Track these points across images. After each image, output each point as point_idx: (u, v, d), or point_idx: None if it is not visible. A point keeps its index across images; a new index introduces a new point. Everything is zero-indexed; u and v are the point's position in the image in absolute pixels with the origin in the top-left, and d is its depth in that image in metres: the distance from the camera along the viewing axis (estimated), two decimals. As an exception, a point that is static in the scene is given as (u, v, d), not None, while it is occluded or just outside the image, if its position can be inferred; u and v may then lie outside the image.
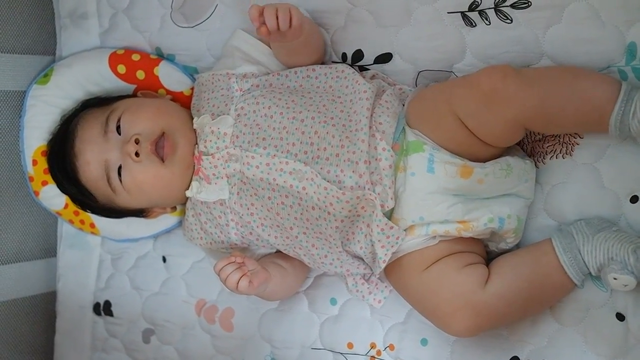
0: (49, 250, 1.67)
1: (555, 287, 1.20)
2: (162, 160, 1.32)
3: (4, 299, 1.57)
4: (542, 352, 1.25)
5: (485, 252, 1.30)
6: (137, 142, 1.30)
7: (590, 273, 1.18)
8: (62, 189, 1.46)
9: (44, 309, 1.68)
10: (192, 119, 1.37)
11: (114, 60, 1.50)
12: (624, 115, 1.09)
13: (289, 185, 1.23)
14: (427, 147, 1.21)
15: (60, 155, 1.40)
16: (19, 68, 1.53)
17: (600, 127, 1.13)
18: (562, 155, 1.24)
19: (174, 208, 1.48)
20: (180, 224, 1.53)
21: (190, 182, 1.36)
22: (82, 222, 1.57)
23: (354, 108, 1.24)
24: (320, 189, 1.20)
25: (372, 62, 1.35)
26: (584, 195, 1.22)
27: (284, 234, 1.30)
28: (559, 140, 1.24)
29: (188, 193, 1.36)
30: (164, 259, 1.60)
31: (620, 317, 1.20)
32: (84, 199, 1.42)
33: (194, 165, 1.34)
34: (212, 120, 1.32)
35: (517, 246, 1.28)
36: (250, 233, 1.34)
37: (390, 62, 1.34)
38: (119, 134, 1.34)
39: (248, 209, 1.30)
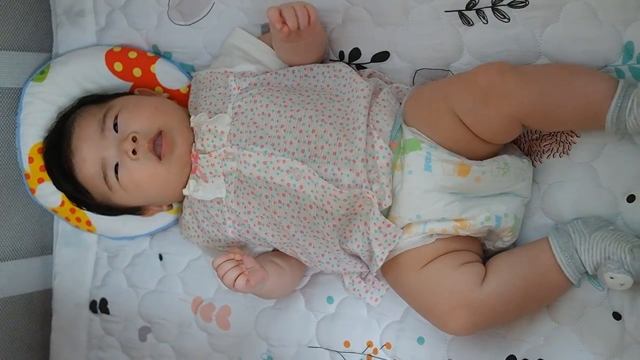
0: (45, 248, 1.67)
1: (551, 285, 1.21)
2: (160, 158, 1.32)
3: (0, 296, 1.57)
4: (539, 351, 1.26)
5: (482, 250, 1.30)
6: (134, 140, 1.30)
7: (586, 272, 1.18)
8: (58, 185, 1.46)
9: (40, 306, 1.67)
10: (190, 117, 1.37)
11: (111, 57, 1.50)
12: (621, 111, 1.10)
13: (286, 183, 1.23)
14: (425, 145, 1.21)
15: (57, 152, 1.40)
16: (16, 65, 1.53)
17: (596, 124, 1.13)
18: (559, 154, 1.24)
19: (170, 206, 1.48)
20: (176, 222, 1.53)
21: (187, 180, 1.36)
22: (78, 219, 1.57)
23: (351, 106, 1.24)
24: (318, 187, 1.20)
25: (369, 61, 1.35)
26: (580, 194, 1.22)
27: (281, 232, 1.30)
28: (556, 139, 1.24)
29: (185, 191, 1.36)
30: (161, 257, 1.60)
31: (617, 316, 1.20)
32: (80, 196, 1.42)
33: (191, 164, 1.34)
34: (210, 118, 1.32)
35: (514, 245, 1.28)
36: (247, 231, 1.33)
37: (387, 60, 1.34)
38: (116, 131, 1.34)
39: (245, 207, 1.30)
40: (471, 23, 1.25)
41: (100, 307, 1.65)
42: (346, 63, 1.35)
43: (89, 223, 1.57)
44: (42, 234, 1.66)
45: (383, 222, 1.21)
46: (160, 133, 1.33)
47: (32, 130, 1.51)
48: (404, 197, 1.22)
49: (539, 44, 1.20)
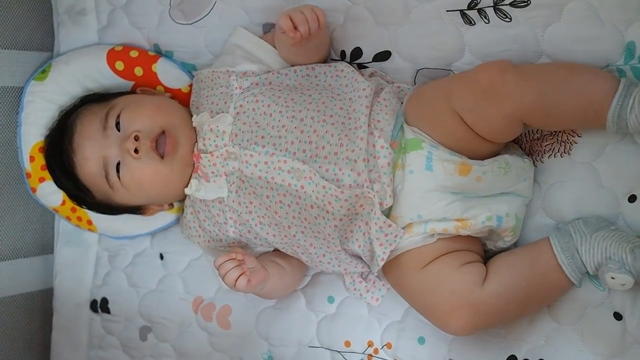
0: (46, 247, 1.67)
1: (552, 286, 1.20)
2: (162, 157, 1.32)
3: (1, 295, 1.57)
4: (540, 351, 1.26)
5: (483, 250, 1.30)
6: (136, 138, 1.30)
7: (587, 272, 1.18)
8: (59, 184, 1.46)
9: (40, 306, 1.67)
10: (191, 116, 1.37)
11: (112, 56, 1.50)
12: (622, 110, 1.10)
13: (287, 183, 1.23)
14: (426, 145, 1.21)
15: (58, 150, 1.40)
16: (17, 64, 1.53)
17: (597, 123, 1.13)
18: (560, 154, 1.24)
19: (171, 205, 1.48)
20: (177, 221, 1.53)
21: (189, 180, 1.36)
22: (79, 219, 1.57)
23: (353, 106, 1.24)
24: (319, 187, 1.20)
25: (370, 60, 1.35)
26: (582, 194, 1.22)
27: (282, 232, 1.30)
28: (557, 139, 1.24)
29: (187, 191, 1.36)
30: (161, 257, 1.60)
31: (618, 316, 1.20)
32: (81, 194, 1.42)
33: (193, 163, 1.34)
34: (211, 118, 1.32)
35: (515, 245, 1.28)
36: (249, 231, 1.33)
37: (389, 60, 1.34)
38: (119, 130, 1.34)
39: (246, 207, 1.30)
40: (473, 22, 1.25)
41: (101, 306, 1.65)
42: (348, 62, 1.35)
43: (89, 222, 1.57)
44: (43, 233, 1.66)
45: (384, 222, 1.21)
46: (162, 132, 1.33)
47: (33, 129, 1.50)
48: (405, 197, 1.21)
49: (541, 43, 1.20)
